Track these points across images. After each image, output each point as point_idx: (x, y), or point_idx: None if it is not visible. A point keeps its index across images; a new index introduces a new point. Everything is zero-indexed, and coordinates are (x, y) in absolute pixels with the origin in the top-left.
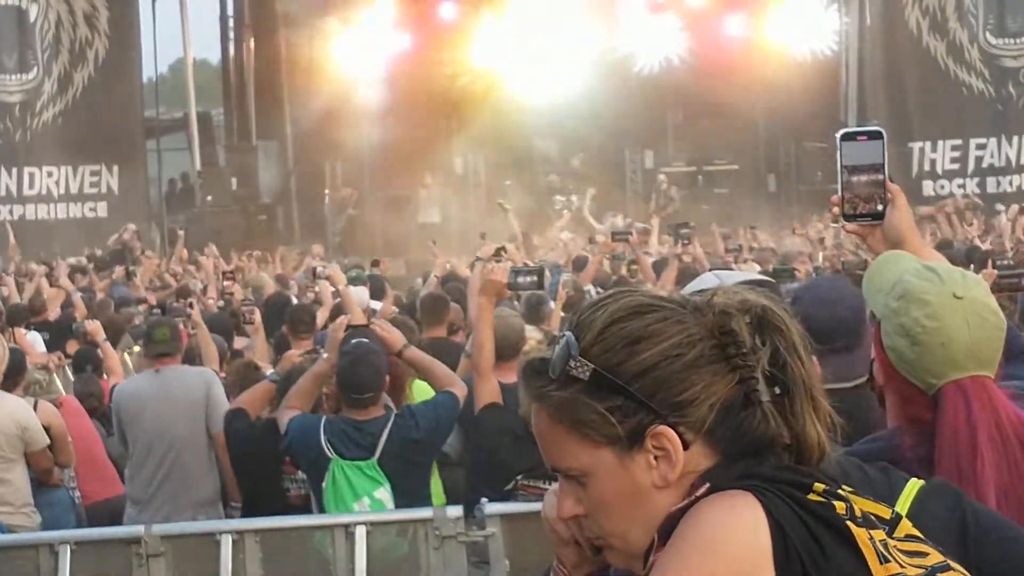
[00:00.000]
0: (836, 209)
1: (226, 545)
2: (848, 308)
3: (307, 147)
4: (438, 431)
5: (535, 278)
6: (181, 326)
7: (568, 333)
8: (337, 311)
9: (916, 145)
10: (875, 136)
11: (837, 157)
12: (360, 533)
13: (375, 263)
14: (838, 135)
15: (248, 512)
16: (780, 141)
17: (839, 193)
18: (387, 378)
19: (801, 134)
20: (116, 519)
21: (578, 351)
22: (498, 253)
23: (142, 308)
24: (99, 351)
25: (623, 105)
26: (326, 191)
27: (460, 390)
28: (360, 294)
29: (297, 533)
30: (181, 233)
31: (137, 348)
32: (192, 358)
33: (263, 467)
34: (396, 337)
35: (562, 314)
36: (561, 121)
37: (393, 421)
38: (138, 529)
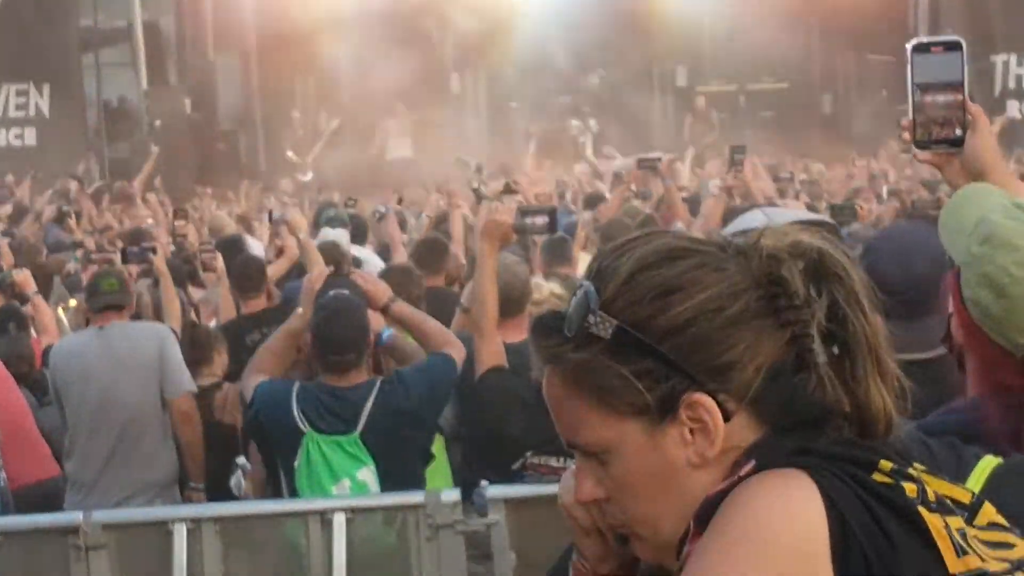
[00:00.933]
0: (906, 135)
1: (180, 535)
2: (930, 262)
3: (273, 62)
4: (432, 400)
5: (546, 219)
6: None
7: (586, 283)
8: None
9: (999, 58)
10: (953, 47)
11: (907, 73)
12: (339, 521)
13: (350, 201)
14: (909, 46)
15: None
16: (837, 54)
17: (910, 116)
18: (371, 337)
19: (862, 45)
20: (51, 505)
21: (599, 304)
22: (507, 189)
23: (78, 254)
24: (28, 306)
25: (648, 11)
26: (294, 114)
27: (457, 351)
28: (338, 238)
29: (264, 521)
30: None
31: (73, 302)
32: (139, 315)
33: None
34: (380, 289)
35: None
36: (575, 29)
37: (379, 388)
38: (75, 516)
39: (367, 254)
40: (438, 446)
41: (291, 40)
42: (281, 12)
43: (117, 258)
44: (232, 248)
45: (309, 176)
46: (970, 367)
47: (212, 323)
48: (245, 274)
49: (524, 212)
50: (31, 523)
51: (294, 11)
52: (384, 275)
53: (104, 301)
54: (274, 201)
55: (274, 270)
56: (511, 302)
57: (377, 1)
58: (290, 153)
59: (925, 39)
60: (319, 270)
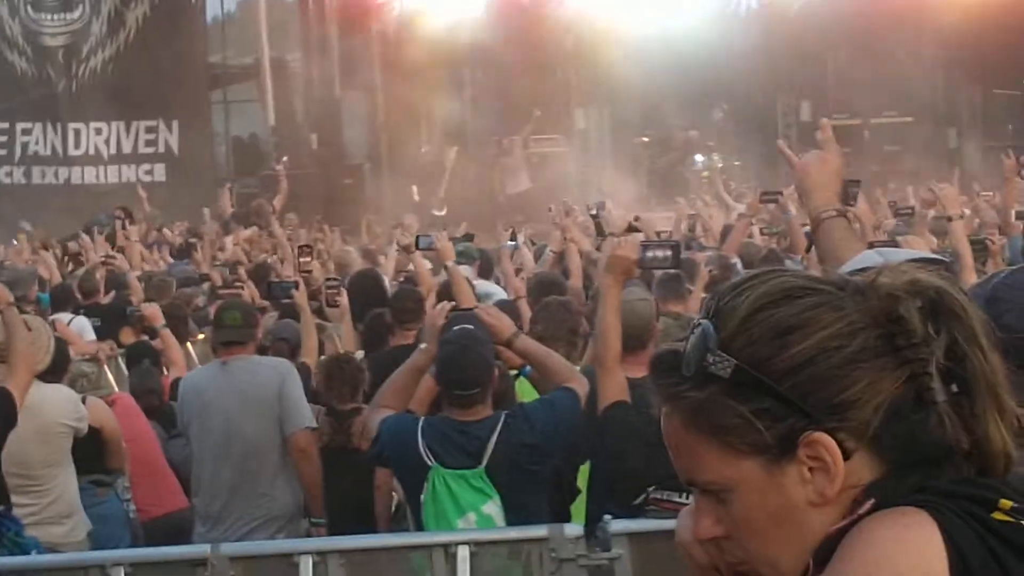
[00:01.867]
0: None
1: (306, 567)
2: None
3: (398, 98)
4: (556, 434)
5: (669, 253)
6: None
7: (705, 322)
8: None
9: None
10: None
11: None
12: (463, 554)
13: (468, 236)
14: None
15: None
16: (962, 88)
17: None
18: (496, 372)
19: (988, 79)
20: (179, 537)
21: (717, 344)
22: (631, 228)
23: (205, 287)
24: (157, 340)
25: (774, 46)
26: (423, 149)
27: (581, 386)
28: (467, 273)
29: (389, 554)
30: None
31: (202, 335)
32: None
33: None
34: (505, 324)
35: (703, 296)
36: (698, 64)
37: (503, 422)
38: (203, 549)
39: (493, 288)
40: (583, 479)
41: (415, 76)
42: (404, 49)
43: (245, 292)
44: (368, 282)
45: (444, 211)
46: None
47: None
48: (404, 304)
49: (647, 246)
50: (161, 555)
51: (417, 48)
52: (540, 309)
53: (227, 336)
54: (400, 234)
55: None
56: (634, 337)
57: (501, 34)
58: (414, 188)
59: None
60: (442, 304)
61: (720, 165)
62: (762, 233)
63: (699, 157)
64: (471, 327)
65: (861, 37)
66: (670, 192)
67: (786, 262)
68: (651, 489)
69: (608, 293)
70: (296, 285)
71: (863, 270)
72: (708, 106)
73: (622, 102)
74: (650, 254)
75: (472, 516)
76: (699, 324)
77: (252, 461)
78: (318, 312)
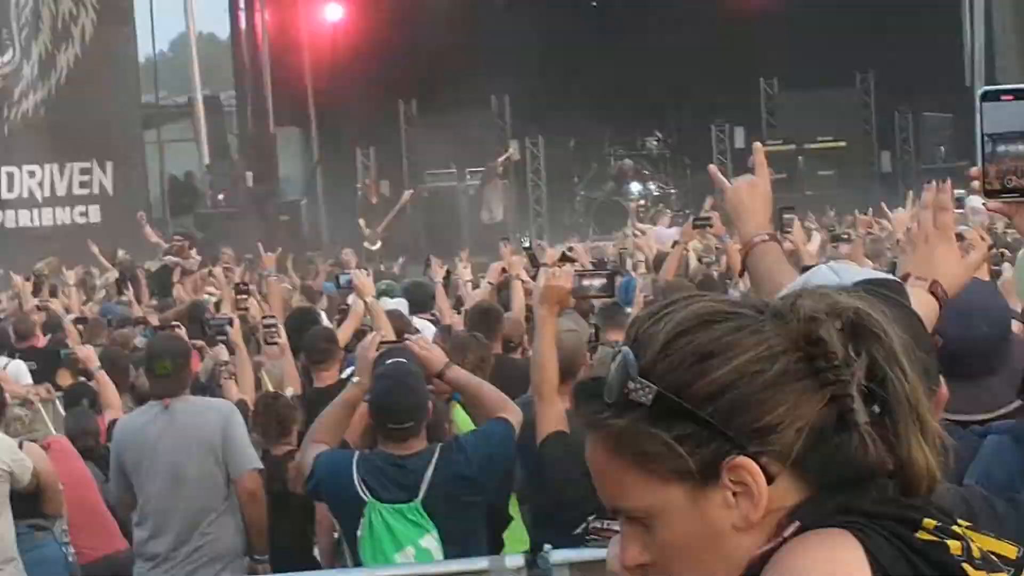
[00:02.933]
0: (976, 183)
1: None
2: (990, 323)
3: (333, 134)
4: (492, 465)
5: (605, 282)
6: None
7: (625, 349)
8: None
9: None
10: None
11: (977, 123)
12: None
13: (427, 263)
14: (978, 95)
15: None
16: (893, 111)
17: (979, 165)
18: (430, 405)
19: (917, 101)
20: None
21: (638, 371)
22: (565, 258)
23: (138, 328)
24: (93, 382)
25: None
26: (358, 186)
27: (514, 416)
28: (398, 307)
29: None
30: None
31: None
32: (209, 386)
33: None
34: (436, 356)
35: None
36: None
37: (438, 455)
38: None
39: (422, 324)
40: (514, 507)
41: (350, 111)
42: (338, 84)
43: (183, 332)
44: (304, 320)
45: (378, 245)
46: None
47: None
48: (316, 347)
49: (582, 275)
50: None
51: (352, 83)
52: (450, 341)
53: (160, 387)
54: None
55: (341, 335)
56: (572, 366)
57: (434, 69)
58: (361, 221)
59: (995, 88)
60: (372, 337)
61: (656, 194)
62: (700, 261)
63: (635, 185)
64: (404, 360)
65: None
66: (607, 222)
67: (731, 291)
68: (591, 518)
69: (543, 324)
70: (231, 322)
71: (785, 296)
72: (643, 134)
73: (556, 132)
74: (586, 283)
75: (410, 550)
76: (620, 351)
77: (197, 502)
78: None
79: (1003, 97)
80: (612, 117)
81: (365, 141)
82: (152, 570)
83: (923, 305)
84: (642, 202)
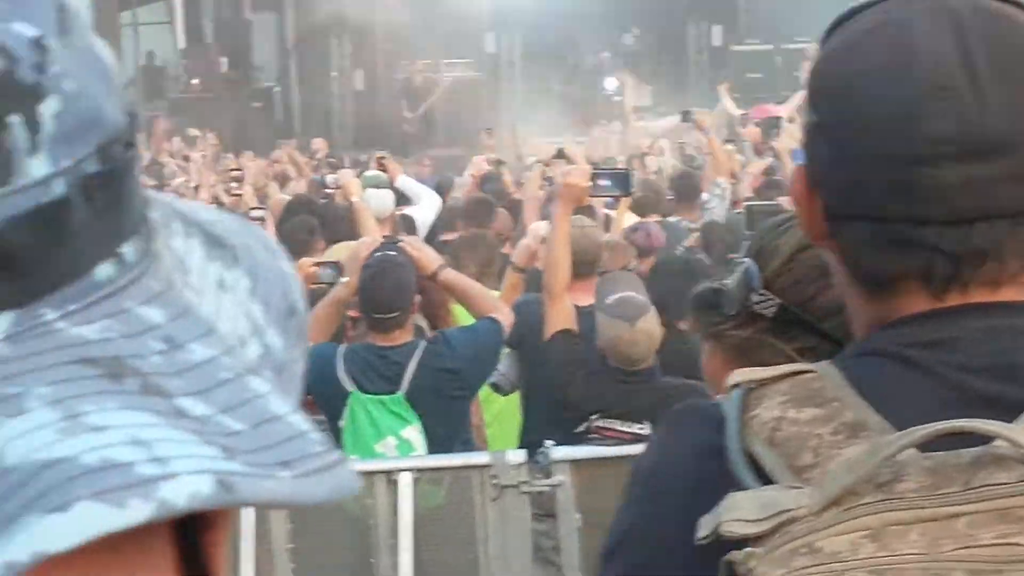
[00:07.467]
0: None
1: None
2: None
3: (310, 20)
4: (478, 361)
5: (620, 180)
6: None
7: (747, 261)
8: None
9: None
10: None
11: None
12: (405, 480)
13: (380, 160)
14: None
15: None
16: None
17: None
18: (416, 297)
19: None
20: None
21: (761, 283)
22: (560, 154)
23: None
24: None
25: None
26: (333, 74)
27: (505, 316)
28: (382, 200)
29: None
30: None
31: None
32: None
33: None
34: (429, 257)
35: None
36: None
37: (423, 348)
38: None
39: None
40: (511, 405)
41: None
42: None
43: None
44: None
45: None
46: None
47: None
48: (295, 237)
49: (598, 174)
50: None
51: None
52: (458, 241)
53: None
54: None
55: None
56: (584, 264)
57: None
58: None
59: None
60: (370, 239)
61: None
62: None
63: (610, 81)
64: (392, 252)
65: None
66: (583, 117)
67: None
68: (594, 417)
69: (559, 222)
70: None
71: None
72: (620, 30)
73: (533, 26)
74: (601, 182)
75: (391, 440)
76: (743, 263)
77: None
78: None
79: None
80: (589, 13)
81: (340, 28)
82: None
83: None
84: (617, 98)
